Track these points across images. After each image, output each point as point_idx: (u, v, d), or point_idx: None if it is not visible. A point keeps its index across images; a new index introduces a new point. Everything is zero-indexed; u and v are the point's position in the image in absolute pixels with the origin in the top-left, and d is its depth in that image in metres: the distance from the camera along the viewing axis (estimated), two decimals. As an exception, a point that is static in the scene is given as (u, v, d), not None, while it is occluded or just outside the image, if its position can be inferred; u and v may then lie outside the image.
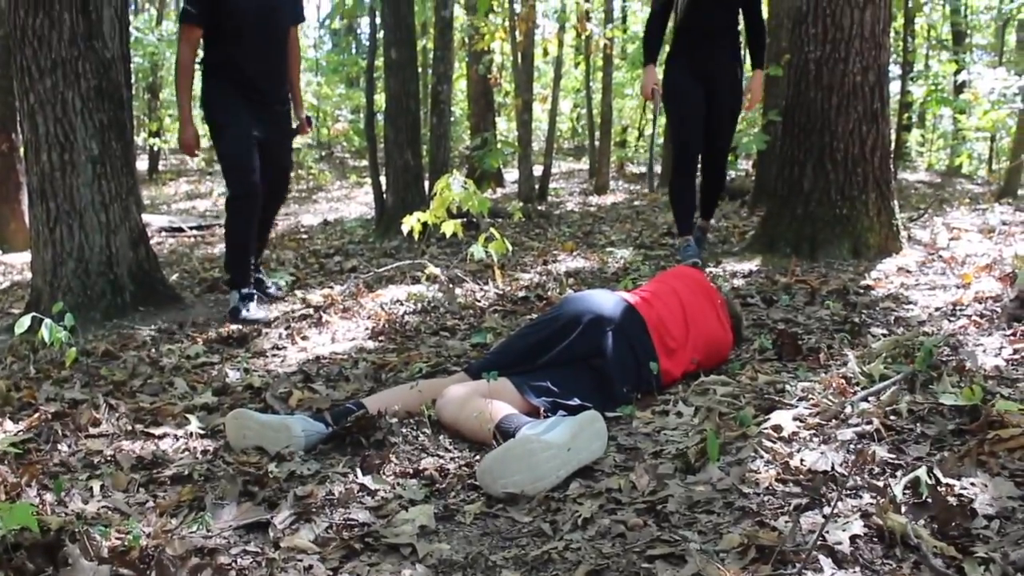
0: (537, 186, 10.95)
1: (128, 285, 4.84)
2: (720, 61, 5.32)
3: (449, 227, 4.98)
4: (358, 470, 2.38)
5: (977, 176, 14.19)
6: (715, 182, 5.66)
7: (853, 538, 1.78)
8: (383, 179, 7.94)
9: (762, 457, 2.21)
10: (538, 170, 11.61)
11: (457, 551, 1.93)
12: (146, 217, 9.05)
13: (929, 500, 1.89)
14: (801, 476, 2.09)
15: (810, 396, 2.65)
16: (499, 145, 12.43)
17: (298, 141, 20.93)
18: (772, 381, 2.88)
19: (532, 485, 2.18)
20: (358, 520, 2.08)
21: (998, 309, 3.53)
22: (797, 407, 2.56)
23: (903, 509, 1.87)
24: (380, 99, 9.66)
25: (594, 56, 15.26)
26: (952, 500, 1.87)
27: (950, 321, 3.55)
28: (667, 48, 5.59)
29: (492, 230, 4.72)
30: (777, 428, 2.39)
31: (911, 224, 6.58)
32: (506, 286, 4.94)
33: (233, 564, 1.87)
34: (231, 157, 4.64)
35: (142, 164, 17.73)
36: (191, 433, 2.81)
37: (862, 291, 4.25)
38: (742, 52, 5.90)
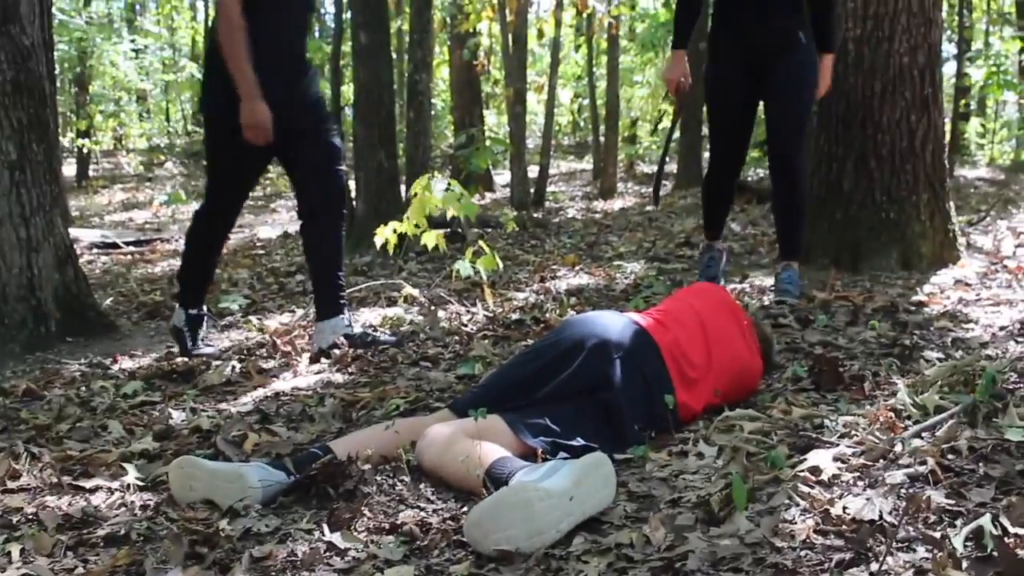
0: (532, 190, 11.00)
1: (53, 312, 4.85)
2: (778, 42, 4.63)
3: (430, 239, 5.00)
4: (325, 526, 2.37)
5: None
6: (787, 207, 4.81)
7: (905, 598, 1.78)
8: (352, 184, 7.96)
9: (798, 505, 2.21)
10: (534, 171, 11.65)
11: (442, 620, 1.92)
12: (74, 232, 9.06)
13: (995, 553, 1.89)
14: (844, 527, 2.09)
15: (853, 432, 2.65)
16: (488, 143, 12.48)
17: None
18: (809, 415, 2.88)
19: (528, 541, 2.18)
20: (325, 585, 2.08)
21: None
22: (838, 445, 2.56)
23: (964, 564, 1.87)
24: (348, 91, 9.69)
25: (597, 38, 15.35)
26: (1021, 553, 1.87)
27: (1017, 342, 3.56)
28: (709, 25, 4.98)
29: (480, 242, 4.74)
30: (815, 470, 2.39)
31: (970, 229, 6.62)
32: (497, 307, 4.95)
33: (178, 639, 1.87)
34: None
35: (69, 169, 17.75)
36: (128, 485, 2.80)
37: (913, 308, 4.26)
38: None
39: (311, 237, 4.56)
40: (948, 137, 5.73)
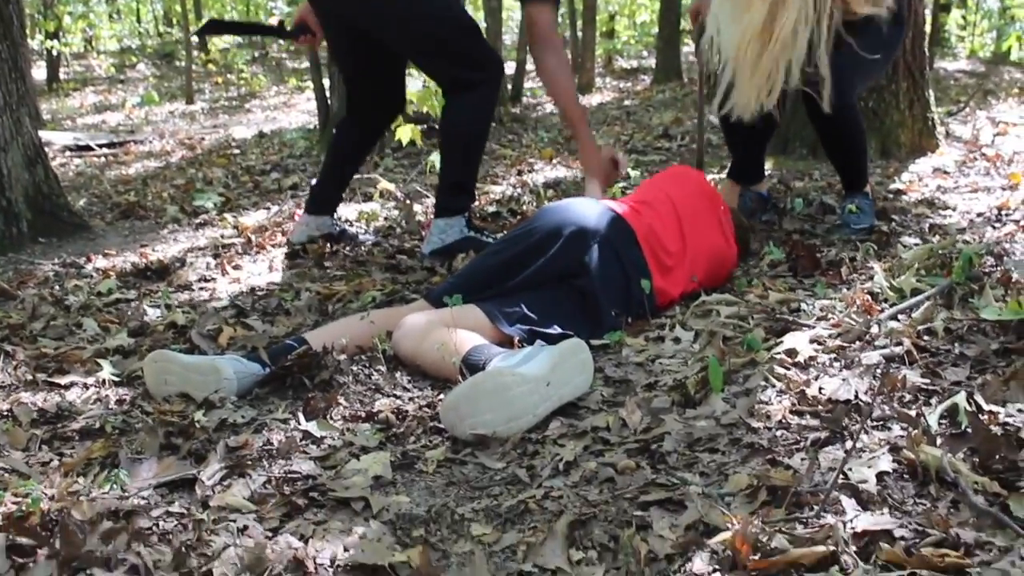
0: (510, 86, 10.86)
1: (24, 212, 4.78)
2: None
3: (406, 133, 4.95)
4: (301, 415, 2.37)
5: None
6: (831, 135, 3.80)
7: (880, 475, 1.78)
8: (327, 81, 7.84)
9: (774, 386, 2.22)
10: (511, 68, 11.50)
11: (418, 504, 1.92)
12: (46, 135, 8.95)
13: (969, 430, 1.90)
14: (819, 407, 2.09)
15: (830, 315, 2.65)
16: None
17: (227, 40, 20.64)
18: (785, 299, 2.88)
19: (505, 425, 2.18)
20: (301, 472, 2.07)
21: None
22: (815, 328, 2.56)
23: (939, 441, 1.88)
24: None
25: (574, -71, 15.07)
26: (995, 429, 1.87)
27: (994, 228, 3.55)
28: None
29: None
30: (791, 352, 2.39)
31: (949, 119, 6.58)
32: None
33: (154, 527, 1.86)
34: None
35: (39, 73, 17.47)
36: (103, 381, 2.78)
37: (892, 195, 4.25)
38: None
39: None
40: (928, 27, 5.64)
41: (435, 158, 4.59)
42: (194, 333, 3.10)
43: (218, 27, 5.00)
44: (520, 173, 5.82)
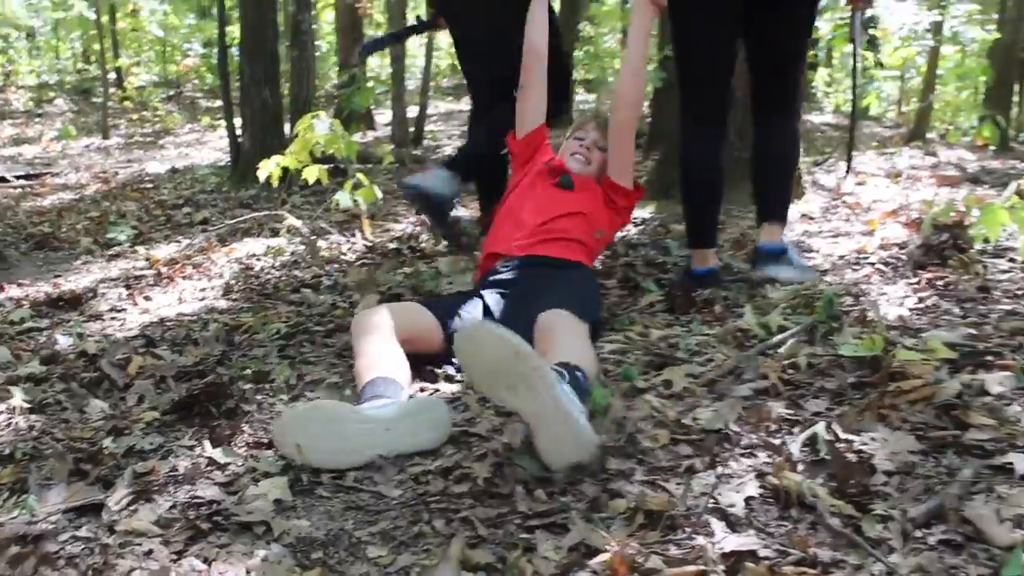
0: (412, 129, 10.87)
1: (-61, 241, 4.65)
2: None
3: (312, 173, 4.91)
4: (206, 442, 2.33)
5: (886, 118, 14.60)
6: (771, 157, 3.68)
7: (747, 500, 1.82)
8: (238, 121, 7.76)
9: (652, 416, 2.25)
10: (413, 111, 11.52)
11: (317, 527, 1.91)
12: (-38, 165, 8.70)
13: (827, 457, 1.96)
14: (693, 436, 2.13)
15: (704, 351, 2.70)
16: (369, 83, 12.27)
17: (143, 79, 20.32)
18: (664, 336, 2.92)
19: (330, 455, 2.17)
20: (206, 497, 2.04)
21: (904, 257, 3.65)
22: (690, 362, 2.61)
23: (800, 468, 1.93)
24: (234, 30, 9.44)
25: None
26: (851, 456, 1.93)
27: (854, 270, 3.65)
28: None
29: (359, 176, 4.67)
30: (668, 384, 2.43)
31: (816, 169, 6.76)
32: (376, 237, 4.90)
33: (61, 551, 1.82)
34: None
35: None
36: (15, 408, 2.71)
37: (762, 239, 4.32)
38: None
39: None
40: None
41: (340, 196, 4.57)
42: (104, 362, 3.04)
43: (376, 44, 5.07)
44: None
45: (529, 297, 2.90)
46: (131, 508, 2.01)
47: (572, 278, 3.09)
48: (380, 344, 2.62)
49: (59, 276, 4.61)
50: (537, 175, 3.54)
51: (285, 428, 2.19)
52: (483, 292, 3.05)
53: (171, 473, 2.16)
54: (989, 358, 2.43)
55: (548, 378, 2.02)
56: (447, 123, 14.88)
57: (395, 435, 2.21)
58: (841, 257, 3.89)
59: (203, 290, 4.13)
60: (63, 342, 3.41)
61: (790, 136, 3.57)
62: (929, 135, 10.77)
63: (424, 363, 2.79)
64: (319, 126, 4.87)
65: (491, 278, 3.14)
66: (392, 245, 4.71)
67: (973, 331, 2.65)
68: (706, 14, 3.36)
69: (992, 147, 9.01)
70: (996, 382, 2.25)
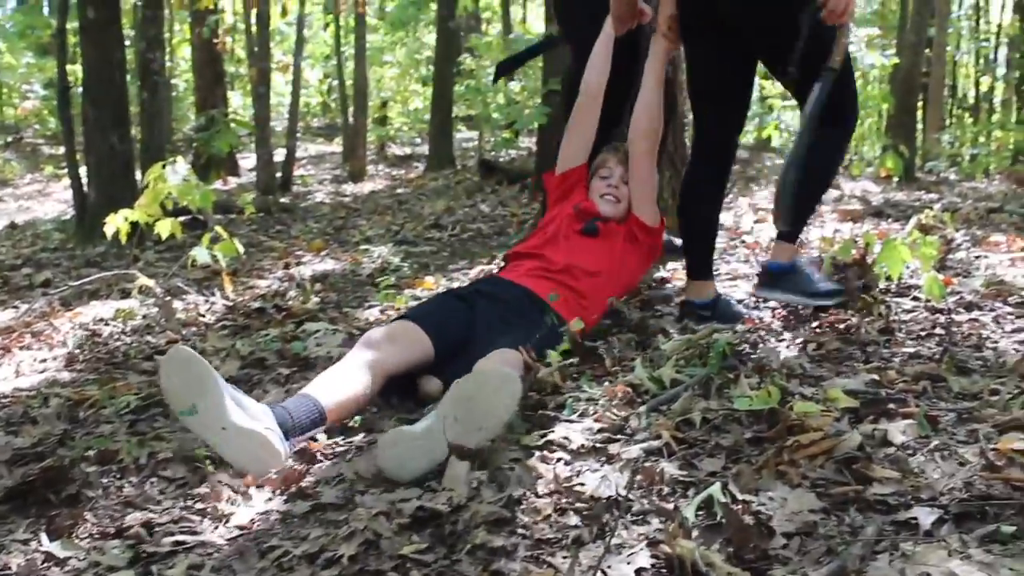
0: (279, 174, 10.82)
1: None
2: None
3: (165, 227, 4.85)
4: (43, 535, 2.26)
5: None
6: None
7: (639, 571, 1.83)
8: (84, 170, 7.64)
9: (535, 483, 2.25)
10: (281, 155, 11.47)
11: (168, 626, 1.86)
12: None
13: (723, 521, 1.97)
14: (581, 503, 2.14)
15: (593, 409, 2.71)
16: (231, 125, 12.20)
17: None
18: (554, 392, 2.92)
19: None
20: (42, 598, 1.98)
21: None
22: (579, 422, 2.62)
23: (695, 533, 1.94)
24: (77, 69, 9.30)
25: (345, 16, 15.23)
26: (748, 519, 1.95)
27: (752, 315, 3.71)
28: None
29: (218, 229, 4.63)
30: (555, 447, 2.44)
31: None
32: (238, 296, 4.85)
33: None
34: None
35: None
36: None
37: (654, 284, 4.39)
38: None
39: None
40: (690, 116, 5.90)
41: (197, 252, 4.52)
42: (-71, 446, 2.94)
43: (513, 63, 5.08)
44: (287, 266, 5.79)
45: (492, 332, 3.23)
46: (-44, 614, 1.94)
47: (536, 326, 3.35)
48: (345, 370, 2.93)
49: None
50: (565, 219, 3.78)
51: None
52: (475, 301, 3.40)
53: (3, 572, 2.09)
54: (892, 406, 2.50)
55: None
56: (318, 167, 14.87)
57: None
58: (740, 301, 3.96)
59: (43, 361, 4.03)
60: None
61: (801, 150, 3.65)
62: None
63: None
64: (172, 175, 4.82)
65: (487, 289, 3.53)
66: (256, 304, 4.65)
67: (875, 376, 2.73)
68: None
69: (896, 178, 9.29)
70: (899, 431, 2.31)
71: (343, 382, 2.86)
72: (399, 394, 3.10)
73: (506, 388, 2.48)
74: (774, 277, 3.61)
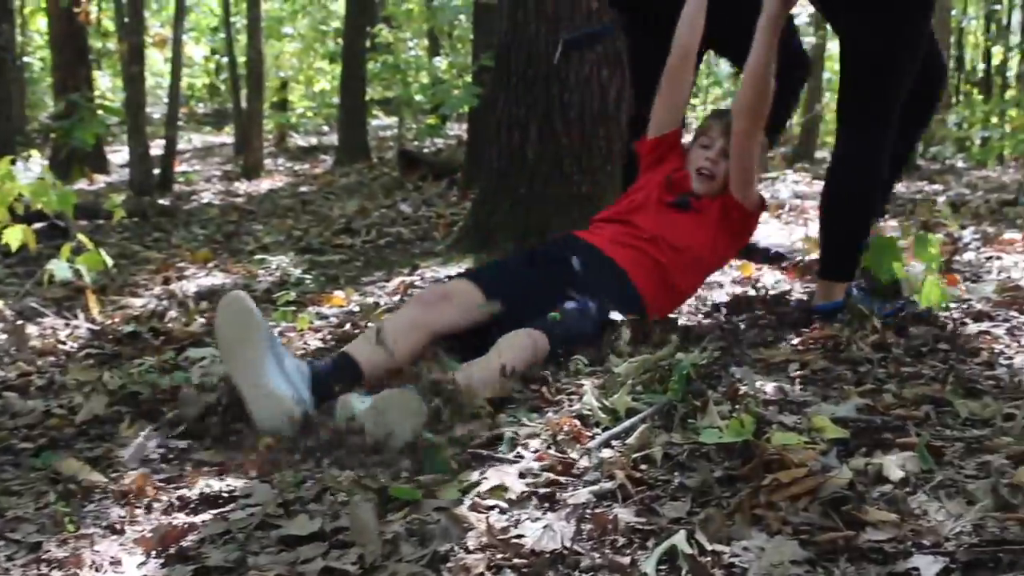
0: (157, 171, 10.73)
1: None
2: None
3: (15, 235, 4.78)
4: None
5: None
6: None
7: (589, 640, 1.83)
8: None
9: (467, 535, 2.24)
10: (159, 147, 11.38)
11: None
12: None
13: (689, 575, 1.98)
14: (520, 559, 2.13)
15: (533, 446, 2.70)
16: (98, 112, 12.08)
17: None
18: (489, 424, 2.91)
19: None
20: None
21: (785, 310, 3.76)
22: (516, 462, 2.61)
23: (655, 591, 1.95)
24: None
25: (234, -20, 15.15)
26: (719, 573, 1.96)
27: (723, 329, 3.73)
28: None
29: (81, 237, 4.58)
30: (488, 494, 2.42)
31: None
32: (106, 319, 4.80)
33: None
34: None
35: None
36: None
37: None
38: None
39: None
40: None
41: (55, 266, 4.46)
42: None
43: (577, 42, 5.18)
44: (167, 281, 5.74)
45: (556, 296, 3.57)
46: None
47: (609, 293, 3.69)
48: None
49: None
50: (655, 188, 4.01)
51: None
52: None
53: None
54: (888, 435, 2.52)
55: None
56: (205, 161, 14.78)
57: None
58: (708, 314, 3.99)
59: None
60: None
61: (838, 164, 3.85)
62: (818, 153, 11.17)
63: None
64: (23, 172, 4.75)
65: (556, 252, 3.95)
66: (128, 328, 4.60)
67: (868, 401, 2.75)
68: None
69: (894, 167, 9.37)
70: (896, 465, 2.32)
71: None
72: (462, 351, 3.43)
73: (408, 420, 2.82)
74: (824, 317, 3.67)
